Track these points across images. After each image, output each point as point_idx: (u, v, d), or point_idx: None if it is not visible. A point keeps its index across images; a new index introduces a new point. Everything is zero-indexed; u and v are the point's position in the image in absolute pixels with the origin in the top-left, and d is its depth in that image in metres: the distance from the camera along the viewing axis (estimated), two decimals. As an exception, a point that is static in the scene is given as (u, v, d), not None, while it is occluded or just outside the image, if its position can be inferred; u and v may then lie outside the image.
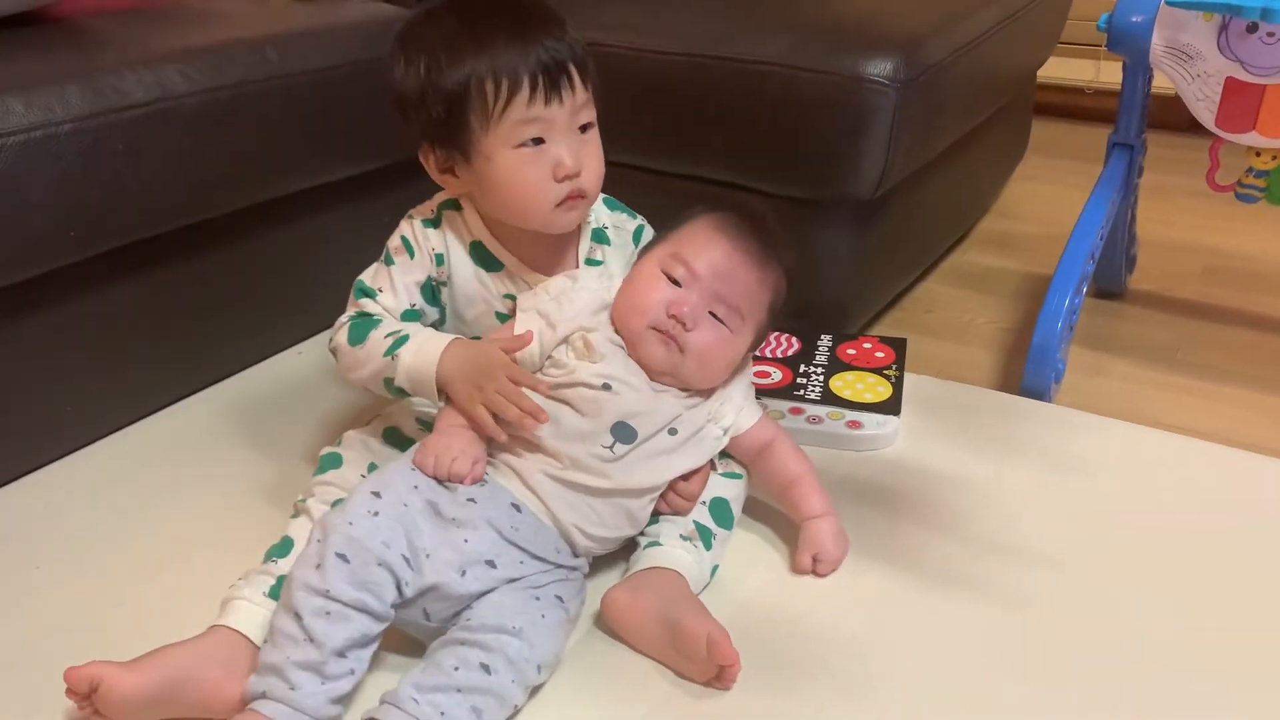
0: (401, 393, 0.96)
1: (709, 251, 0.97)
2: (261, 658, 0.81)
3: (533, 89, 0.92)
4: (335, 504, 0.91)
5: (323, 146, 1.32)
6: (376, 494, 0.86)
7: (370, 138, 1.36)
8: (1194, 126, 1.33)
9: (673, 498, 0.97)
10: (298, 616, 0.79)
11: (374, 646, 0.82)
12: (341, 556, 0.81)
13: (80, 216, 1.06)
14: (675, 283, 0.96)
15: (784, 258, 1.00)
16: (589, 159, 0.97)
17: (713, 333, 0.96)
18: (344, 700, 0.81)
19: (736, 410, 1.01)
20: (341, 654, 0.79)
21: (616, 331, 0.97)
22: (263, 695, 0.78)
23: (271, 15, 1.35)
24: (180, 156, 1.14)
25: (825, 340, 1.35)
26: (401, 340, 0.95)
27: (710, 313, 0.96)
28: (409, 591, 0.83)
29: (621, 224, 1.08)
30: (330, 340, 0.98)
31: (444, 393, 0.94)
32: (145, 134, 1.09)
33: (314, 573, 0.80)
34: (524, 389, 0.92)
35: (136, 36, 1.20)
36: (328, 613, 0.79)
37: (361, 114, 1.33)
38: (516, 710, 0.82)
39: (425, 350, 0.94)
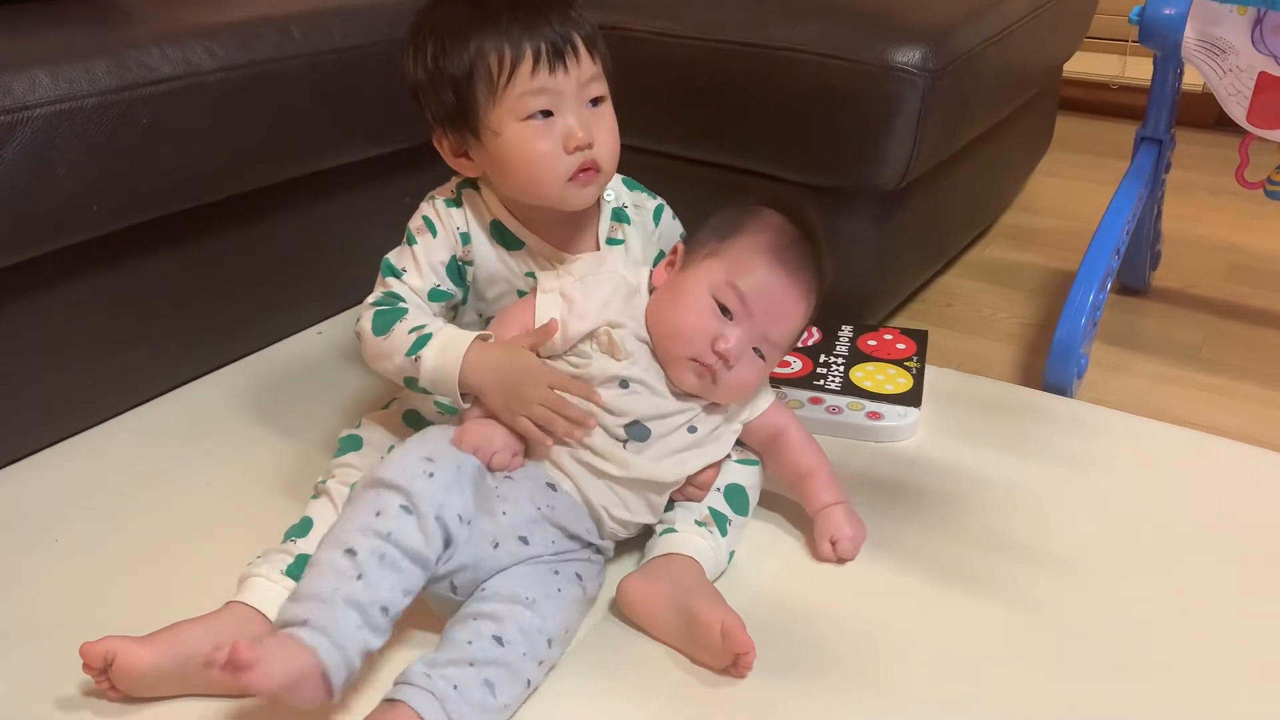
0: (426, 391, 0.95)
1: (765, 284, 0.94)
2: (303, 588, 0.78)
3: (535, 60, 0.92)
4: (353, 484, 0.91)
5: (345, 126, 1.32)
6: (430, 459, 0.85)
7: (393, 118, 1.35)
8: (1220, 123, 1.32)
9: (687, 487, 0.97)
10: (351, 553, 0.78)
11: (401, 615, 0.80)
12: (405, 509, 0.80)
13: (104, 191, 1.06)
14: (724, 308, 0.94)
15: (825, 269, 0.98)
16: (601, 132, 0.96)
17: (751, 368, 0.95)
18: (365, 662, 0.78)
19: (749, 400, 1.00)
20: (384, 610, 0.77)
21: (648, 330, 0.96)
22: (304, 623, 0.75)
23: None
24: (204, 133, 1.14)
25: (846, 330, 1.34)
26: (424, 340, 0.93)
27: (753, 348, 0.95)
28: (449, 556, 0.82)
29: (641, 203, 1.08)
30: (356, 322, 0.98)
31: (468, 395, 0.93)
32: (170, 110, 1.09)
33: (375, 518, 0.79)
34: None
35: (163, 11, 1.20)
36: (383, 556, 0.78)
37: (385, 94, 1.32)
38: (530, 686, 0.82)
39: (447, 354, 0.92)
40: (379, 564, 0.78)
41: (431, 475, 0.83)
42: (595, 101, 0.96)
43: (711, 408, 0.97)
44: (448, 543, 0.82)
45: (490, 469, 0.89)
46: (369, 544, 0.78)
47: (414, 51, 0.97)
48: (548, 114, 0.94)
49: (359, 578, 0.77)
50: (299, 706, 0.75)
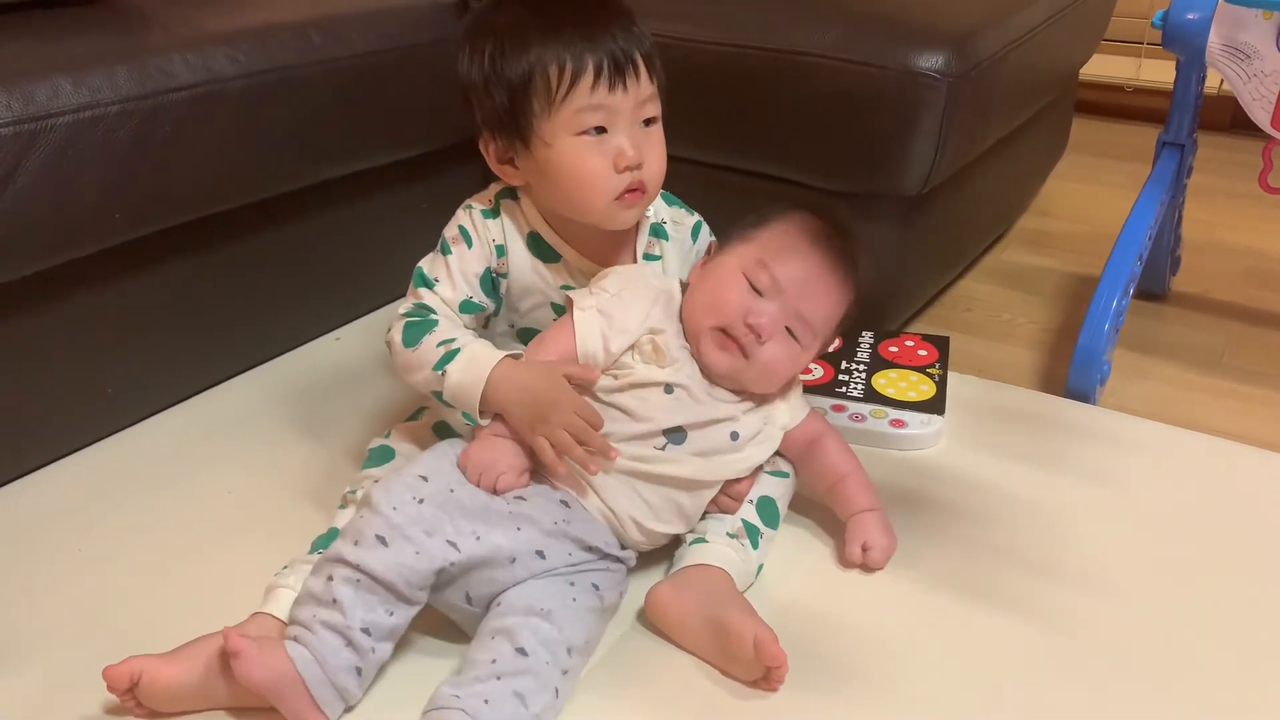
0: (451, 405, 0.95)
1: (797, 264, 0.94)
2: (293, 609, 0.82)
3: (597, 75, 0.91)
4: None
5: (364, 132, 1.31)
6: (424, 478, 0.85)
7: (412, 123, 1.35)
8: (1236, 126, 1.31)
9: (721, 498, 0.96)
10: (329, 579, 0.80)
11: (396, 637, 0.82)
12: (380, 539, 0.80)
13: (126, 198, 1.06)
14: (756, 290, 0.94)
15: (860, 269, 0.98)
16: (651, 153, 0.95)
17: (784, 348, 0.94)
18: (363, 679, 0.81)
19: (790, 408, 1.00)
20: (366, 631, 0.79)
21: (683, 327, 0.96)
22: (293, 638, 0.79)
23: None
24: (225, 140, 1.14)
25: (867, 337, 1.33)
26: (451, 355, 0.92)
27: (786, 327, 0.94)
28: (455, 571, 0.82)
29: (680, 219, 1.07)
30: (388, 331, 0.97)
31: (486, 413, 0.92)
32: (191, 116, 1.09)
33: (351, 548, 0.81)
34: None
35: (184, 17, 1.19)
36: (357, 581, 0.79)
37: (404, 99, 1.32)
38: (559, 696, 0.81)
39: (471, 371, 0.91)
40: (354, 589, 0.80)
41: (421, 501, 0.83)
42: (648, 122, 0.95)
43: (752, 412, 0.96)
44: (440, 569, 0.81)
45: (496, 491, 0.88)
46: (342, 572, 0.80)
47: (470, 51, 0.95)
48: (601, 130, 0.92)
49: (334, 602, 0.79)
50: (294, 717, 0.79)
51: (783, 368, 0.96)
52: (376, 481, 0.87)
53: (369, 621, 0.79)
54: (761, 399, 0.98)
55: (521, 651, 0.79)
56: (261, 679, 0.77)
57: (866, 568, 0.98)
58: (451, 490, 0.85)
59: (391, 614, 0.80)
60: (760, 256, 0.94)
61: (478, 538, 0.83)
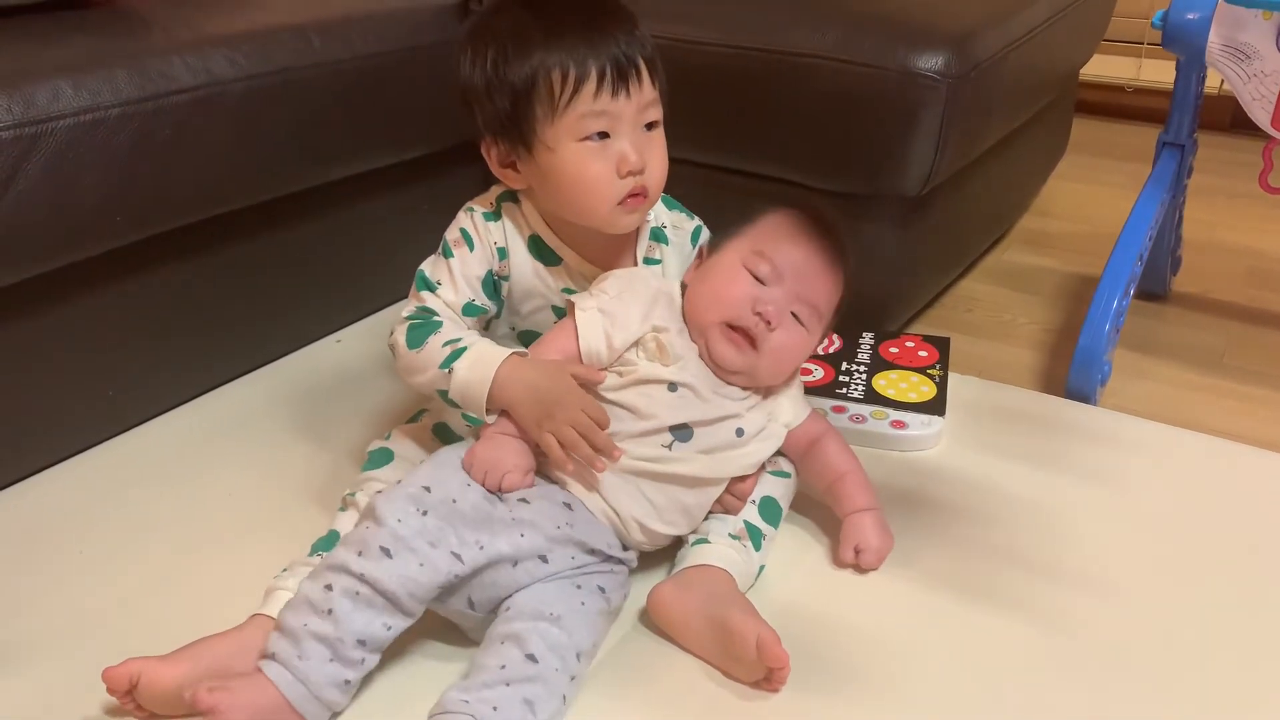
0: (456, 404, 0.95)
1: (793, 251, 0.96)
2: (281, 617, 0.81)
3: (600, 81, 0.91)
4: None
5: (364, 134, 1.32)
6: (427, 489, 0.85)
7: (413, 125, 1.36)
8: (1236, 126, 1.32)
9: (726, 497, 0.96)
10: (328, 588, 0.79)
11: (387, 645, 0.82)
12: (385, 551, 0.80)
13: (127, 201, 1.06)
14: (758, 279, 0.95)
15: (850, 260, 0.99)
16: (653, 157, 0.95)
17: (792, 334, 0.95)
18: (349, 689, 0.80)
19: (793, 406, 1.00)
20: (360, 642, 0.79)
21: (687, 324, 0.96)
22: (271, 656, 0.78)
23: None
24: (225, 142, 1.14)
25: (867, 338, 1.33)
26: (458, 354, 0.92)
27: (792, 313, 0.95)
28: (458, 582, 0.82)
29: (680, 224, 1.07)
30: (390, 334, 0.96)
31: (492, 410, 0.92)
32: (192, 119, 1.09)
33: (355, 558, 0.80)
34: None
35: (184, 20, 1.20)
36: (357, 593, 0.79)
37: (403, 101, 1.32)
38: (565, 702, 0.81)
39: (478, 369, 0.91)
40: (353, 601, 0.79)
41: (425, 513, 0.83)
42: (650, 126, 0.95)
43: (756, 409, 0.96)
44: (443, 581, 0.81)
45: (502, 490, 0.88)
46: (344, 582, 0.80)
47: (472, 55, 0.95)
48: (603, 135, 0.92)
49: (329, 613, 0.79)
50: None
51: (792, 355, 0.97)
52: (379, 492, 0.87)
53: (366, 634, 0.79)
54: (765, 394, 0.98)
55: (531, 658, 0.79)
56: (245, 717, 0.76)
57: (859, 567, 0.98)
58: (454, 501, 0.85)
59: (389, 628, 0.80)
60: (757, 247, 0.95)
61: (481, 547, 0.84)
